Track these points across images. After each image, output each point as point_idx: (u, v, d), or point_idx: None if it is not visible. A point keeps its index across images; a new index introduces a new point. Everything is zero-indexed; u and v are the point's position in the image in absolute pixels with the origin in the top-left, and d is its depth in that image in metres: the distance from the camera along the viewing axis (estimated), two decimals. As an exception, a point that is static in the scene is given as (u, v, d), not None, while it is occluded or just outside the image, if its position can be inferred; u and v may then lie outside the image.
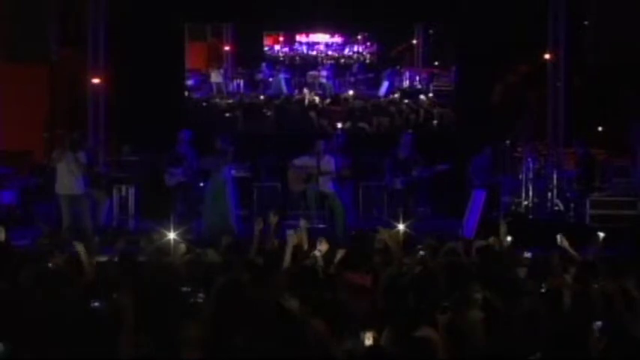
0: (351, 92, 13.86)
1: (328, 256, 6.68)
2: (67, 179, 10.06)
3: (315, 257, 6.53)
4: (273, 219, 7.59)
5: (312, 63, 13.97)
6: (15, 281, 5.60)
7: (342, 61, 13.99)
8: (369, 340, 4.44)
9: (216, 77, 13.97)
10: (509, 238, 7.28)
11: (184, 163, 11.53)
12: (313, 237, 7.33)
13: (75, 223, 9.95)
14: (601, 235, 7.39)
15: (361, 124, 13.83)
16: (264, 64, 13.95)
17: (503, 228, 7.36)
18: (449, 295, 5.01)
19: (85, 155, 10.26)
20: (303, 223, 7.48)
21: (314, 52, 14.00)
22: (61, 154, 10.12)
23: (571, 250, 6.94)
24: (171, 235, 7.28)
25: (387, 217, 11.62)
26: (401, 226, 7.81)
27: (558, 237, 7.10)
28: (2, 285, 5.56)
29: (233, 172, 11.10)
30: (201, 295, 5.20)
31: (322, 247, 6.79)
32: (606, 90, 13.24)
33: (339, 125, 13.68)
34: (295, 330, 4.44)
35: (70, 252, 6.65)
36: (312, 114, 13.78)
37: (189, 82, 13.94)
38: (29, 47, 11.24)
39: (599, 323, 4.47)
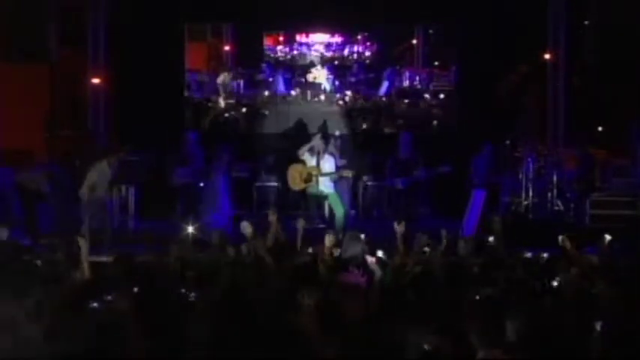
0: (349, 93, 13.86)
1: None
2: (95, 185, 10.07)
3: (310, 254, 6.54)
4: (273, 217, 7.54)
5: (311, 63, 13.96)
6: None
7: (342, 61, 13.99)
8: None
9: (224, 79, 13.95)
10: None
11: (191, 164, 11.56)
12: (309, 237, 7.34)
13: (96, 225, 9.93)
14: (607, 237, 7.35)
15: (361, 124, 13.82)
16: (265, 64, 13.95)
17: (497, 225, 7.34)
18: (448, 296, 5.01)
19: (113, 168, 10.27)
20: (301, 223, 7.47)
21: (314, 52, 13.99)
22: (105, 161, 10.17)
23: (573, 251, 6.94)
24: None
25: (388, 217, 11.67)
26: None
27: (560, 238, 7.09)
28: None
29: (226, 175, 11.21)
30: (195, 294, 5.20)
31: (329, 241, 6.81)
32: (606, 90, 13.22)
33: (339, 125, 13.68)
34: (294, 330, 4.44)
35: (69, 252, 6.66)
36: (312, 114, 13.77)
37: (191, 82, 13.94)
38: (29, 47, 11.24)
39: (599, 323, 4.47)
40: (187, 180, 11.58)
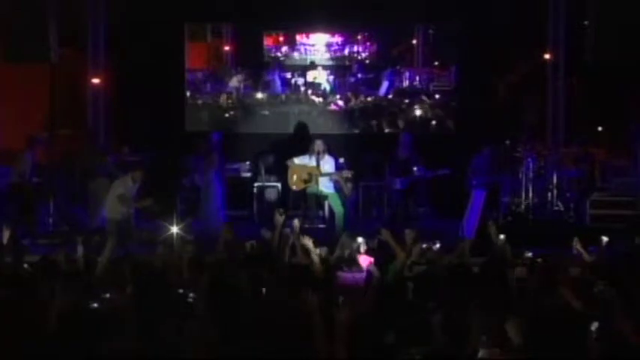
0: (349, 93, 13.86)
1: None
2: (116, 202, 10.04)
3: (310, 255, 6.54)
4: (279, 218, 7.49)
5: (312, 63, 13.95)
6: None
7: (342, 61, 13.98)
8: None
9: (235, 82, 13.92)
10: (502, 236, 7.25)
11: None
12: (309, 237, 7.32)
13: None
14: (604, 239, 7.38)
15: (361, 125, 13.82)
16: (269, 64, 13.93)
17: (493, 229, 7.35)
18: (449, 296, 5.01)
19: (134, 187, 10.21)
20: (296, 223, 7.45)
21: (314, 53, 13.98)
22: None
23: (584, 253, 6.95)
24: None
25: (388, 217, 11.67)
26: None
27: (575, 240, 7.11)
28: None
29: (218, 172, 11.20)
30: (193, 294, 5.20)
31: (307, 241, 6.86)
32: (606, 90, 13.23)
33: (340, 125, 13.69)
34: (298, 329, 4.43)
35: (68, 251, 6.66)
36: (312, 114, 13.77)
37: (191, 82, 13.93)
38: (29, 47, 11.24)
39: (596, 324, 4.48)
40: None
